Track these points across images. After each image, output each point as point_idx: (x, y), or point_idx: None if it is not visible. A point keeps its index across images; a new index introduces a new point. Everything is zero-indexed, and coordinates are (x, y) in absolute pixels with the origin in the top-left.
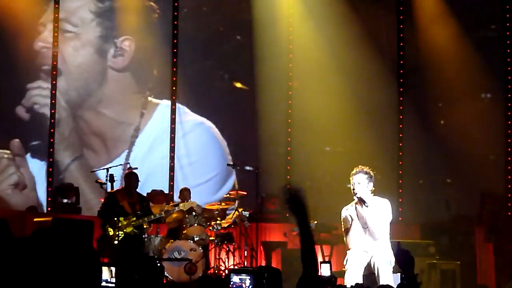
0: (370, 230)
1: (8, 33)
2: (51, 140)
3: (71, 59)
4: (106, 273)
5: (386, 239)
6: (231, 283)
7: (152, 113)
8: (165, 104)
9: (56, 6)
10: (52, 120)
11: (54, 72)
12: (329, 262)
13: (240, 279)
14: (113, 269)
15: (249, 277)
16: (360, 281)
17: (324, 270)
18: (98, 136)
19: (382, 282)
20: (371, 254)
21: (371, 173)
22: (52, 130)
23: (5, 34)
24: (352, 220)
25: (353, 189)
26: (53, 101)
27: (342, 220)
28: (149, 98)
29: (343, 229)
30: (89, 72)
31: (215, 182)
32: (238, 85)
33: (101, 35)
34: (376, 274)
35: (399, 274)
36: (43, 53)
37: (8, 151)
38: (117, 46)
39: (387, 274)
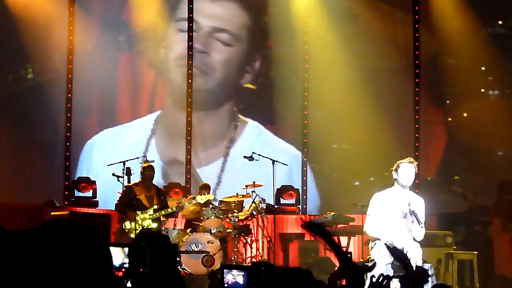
0: (417, 217)
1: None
2: (68, 134)
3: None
4: (120, 254)
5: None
6: (224, 280)
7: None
8: (253, 123)
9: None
10: (69, 114)
11: (70, 66)
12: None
13: (233, 275)
14: (126, 249)
15: (242, 274)
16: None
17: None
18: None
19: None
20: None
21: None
22: (68, 124)
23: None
24: (386, 206)
25: (408, 175)
26: (69, 95)
27: (370, 204)
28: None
29: (368, 214)
30: None
31: None
32: (248, 85)
33: None
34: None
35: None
36: None
37: None
38: None
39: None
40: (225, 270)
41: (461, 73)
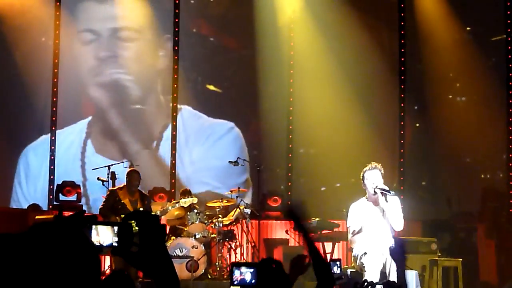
0: (391, 221)
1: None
2: (53, 138)
3: None
4: (109, 233)
5: (400, 228)
6: (233, 277)
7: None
8: (187, 108)
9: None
10: (54, 118)
11: (56, 70)
12: (339, 260)
13: (241, 272)
14: (115, 228)
15: (250, 271)
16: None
17: (335, 269)
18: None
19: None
20: (386, 256)
21: (383, 171)
22: (53, 128)
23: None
24: (365, 216)
25: (372, 183)
26: (54, 99)
27: (349, 216)
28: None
29: (348, 225)
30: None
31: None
32: (211, 87)
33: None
34: (387, 272)
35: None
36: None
37: None
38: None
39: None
40: (234, 267)
41: (447, 77)
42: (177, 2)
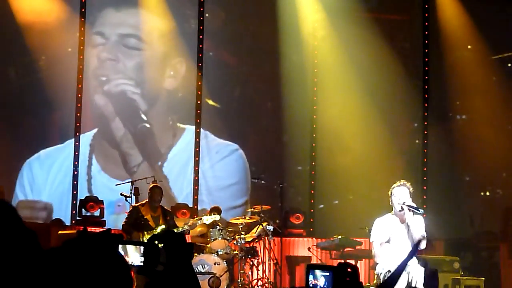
0: (416, 238)
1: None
2: (76, 153)
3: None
4: (137, 253)
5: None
6: (310, 280)
7: (179, 138)
8: (191, 129)
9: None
10: (77, 134)
11: (80, 86)
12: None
13: (313, 277)
14: (141, 248)
15: (324, 275)
16: None
17: None
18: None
19: None
20: (411, 273)
21: (411, 189)
22: (77, 144)
23: None
24: (389, 231)
25: (399, 199)
26: (78, 114)
27: (373, 230)
28: (178, 124)
29: (372, 240)
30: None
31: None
32: (210, 102)
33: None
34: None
35: None
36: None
37: None
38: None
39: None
40: (309, 269)
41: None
42: (201, 28)
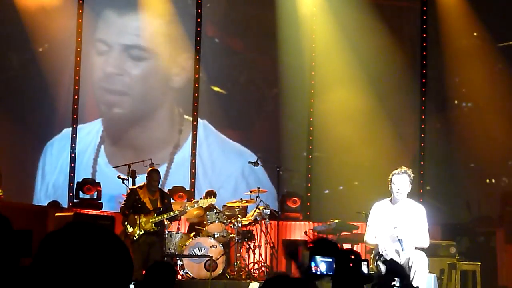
0: (401, 245)
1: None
2: (74, 135)
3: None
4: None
5: (426, 245)
6: (313, 265)
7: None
8: (201, 121)
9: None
10: (75, 116)
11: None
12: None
13: (315, 263)
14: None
15: (325, 261)
16: None
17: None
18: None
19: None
20: (405, 257)
21: (412, 176)
22: (74, 126)
23: None
24: (382, 216)
25: (398, 189)
26: (76, 96)
27: (370, 214)
28: (185, 116)
29: (367, 224)
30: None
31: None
32: (216, 89)
33: None
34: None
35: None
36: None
37: None
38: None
39: (423, 279)
40: (311, 255)
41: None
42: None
